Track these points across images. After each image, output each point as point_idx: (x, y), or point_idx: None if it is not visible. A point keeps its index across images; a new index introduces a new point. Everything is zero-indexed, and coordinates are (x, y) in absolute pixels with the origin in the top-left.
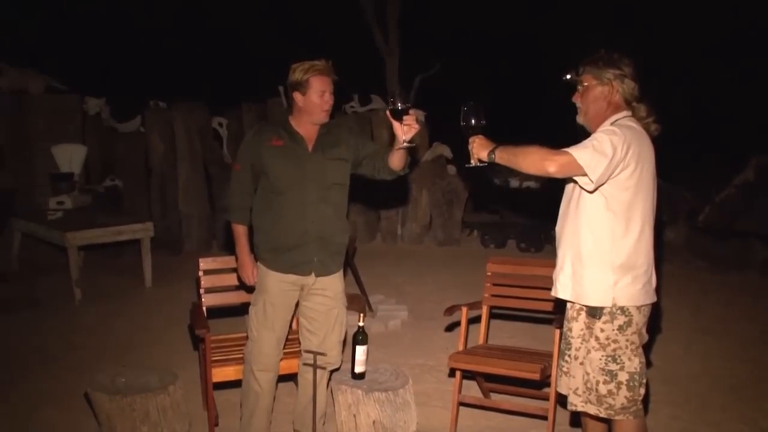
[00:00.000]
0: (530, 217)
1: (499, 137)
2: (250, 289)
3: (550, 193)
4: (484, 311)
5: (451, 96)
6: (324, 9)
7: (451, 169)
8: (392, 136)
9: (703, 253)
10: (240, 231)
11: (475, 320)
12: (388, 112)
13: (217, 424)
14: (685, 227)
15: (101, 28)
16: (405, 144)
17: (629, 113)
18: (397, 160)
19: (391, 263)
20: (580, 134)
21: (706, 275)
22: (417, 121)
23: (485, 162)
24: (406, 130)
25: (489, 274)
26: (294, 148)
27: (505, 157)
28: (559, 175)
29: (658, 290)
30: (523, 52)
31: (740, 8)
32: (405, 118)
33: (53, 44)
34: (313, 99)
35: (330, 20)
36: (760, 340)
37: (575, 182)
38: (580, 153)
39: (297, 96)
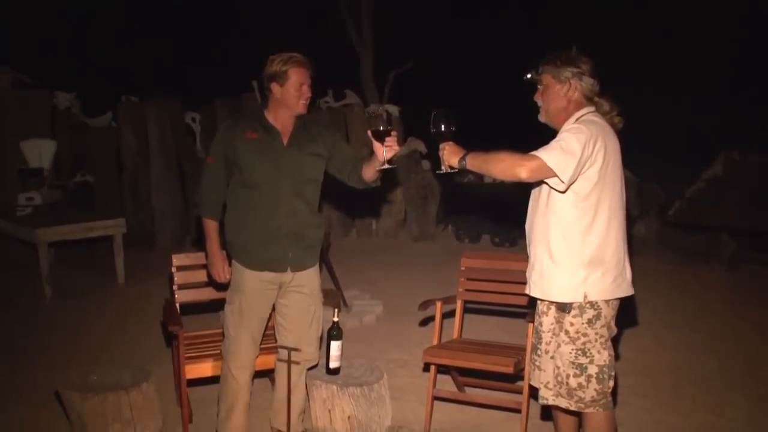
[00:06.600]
0: (504, 212)
1: (478, 136)
2: (222, 286)
3: (523, 189)
4: (459, 306)
5: (426, 91)
6: (298, 2)
7: (426, 164)
8: (371, 152)
9: (674, 247)
10: (211, 226)
11: (449, 315)
12: (369, 133)
13: (190, 421)
14: (656, 221)
15: (71, 20)
16: (386, 165)
17: (592, 109)
18: (371, 173)
19: (366, 258)
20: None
21: (676, 269)
22: (398, 139)
23: (456, 168)
24: (387, 151)
25: (463, 268)
26: (269, 141)
27: (476, 164)
28: (531, 180)
29: (632, 283)
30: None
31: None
32: (387, 139)
33: (20, 37)
34: (291, 91)
35: (304, 14)
36: (727, 333)
37: (543, 181)
38: (549, 156)
39: (275, 87)
